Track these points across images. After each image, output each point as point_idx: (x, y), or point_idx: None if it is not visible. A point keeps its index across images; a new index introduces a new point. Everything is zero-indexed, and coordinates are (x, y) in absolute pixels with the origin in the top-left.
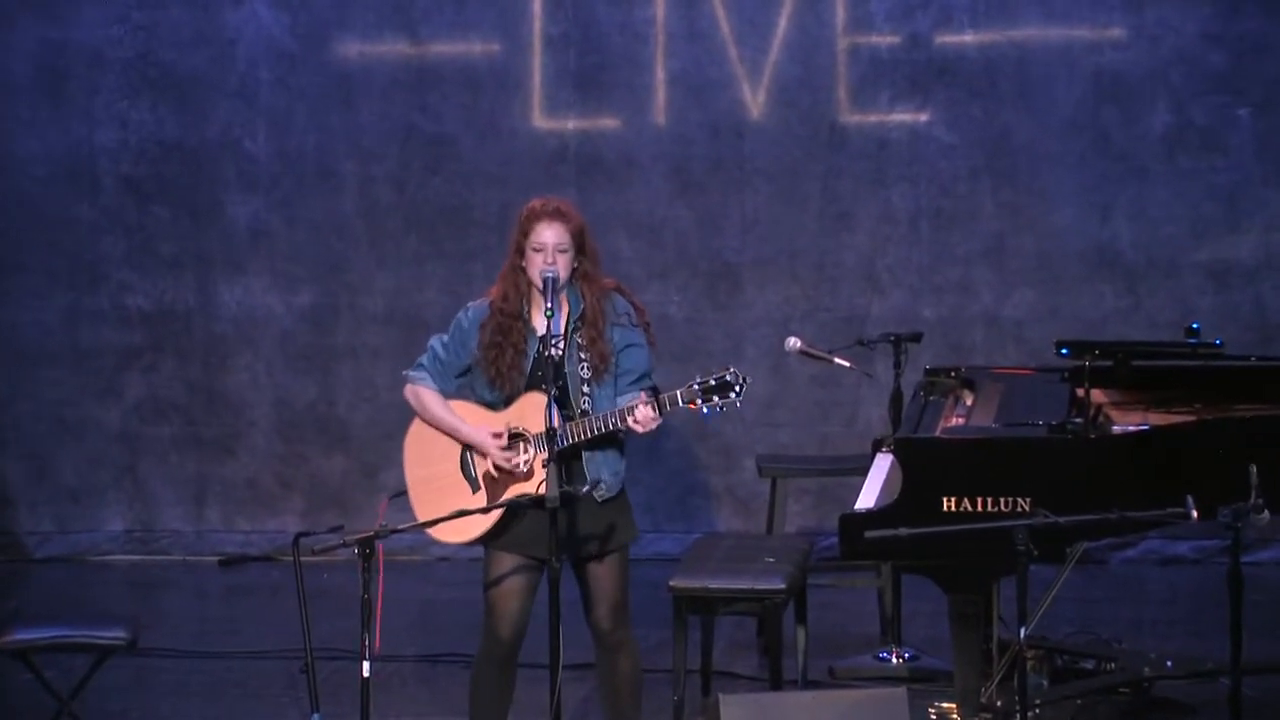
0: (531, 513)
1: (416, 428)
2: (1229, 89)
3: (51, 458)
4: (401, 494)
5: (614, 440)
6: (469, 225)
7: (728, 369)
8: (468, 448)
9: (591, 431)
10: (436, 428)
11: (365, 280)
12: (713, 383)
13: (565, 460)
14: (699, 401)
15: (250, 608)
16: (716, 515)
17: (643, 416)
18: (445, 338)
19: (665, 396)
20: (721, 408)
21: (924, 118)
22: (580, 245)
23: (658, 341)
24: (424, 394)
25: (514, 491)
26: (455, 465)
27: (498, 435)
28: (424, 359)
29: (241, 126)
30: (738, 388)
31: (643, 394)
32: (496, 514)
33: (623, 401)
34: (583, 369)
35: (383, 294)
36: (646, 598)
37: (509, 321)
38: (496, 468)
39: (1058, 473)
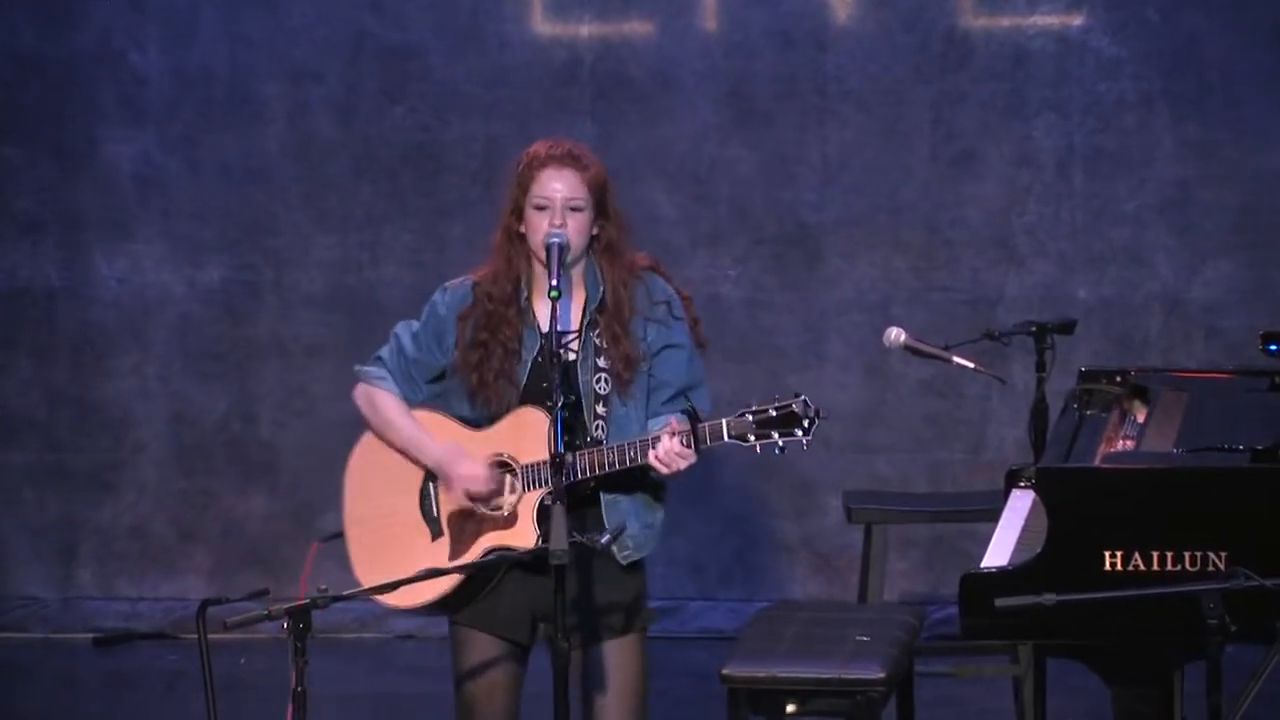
0: (511, 577)
1: (366, 445)
2: None
3: None
4: (337, 536)
5: (647, 481)
6: (442, 171)
7: (796, 395)
8: (432, 477)
9: (604, 465)
10: (392, 444)
11: (298, 248)
12: (772, 413)
13: (576, 504)
14: (752, 437)
15: (137, 703)
16: (788, 576)
17: (665, 452)
18: (416, 327)
19: (705, 427)
20: (782, 448)
21: (1077, 22)
22: (601, 204)
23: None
24: (380, 398)
25: (489, 543)
26: (413, 499)
27: (476, 477)
28: (384, 352)
29: (125, 34)
30: (806, 422)
31: (672, 420)
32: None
33: (655, 426)
34: (599, 382)
35: (322, 267)
36: (690, 690)
37: (499, 311)
38: (470, 506)
39: (1264, 518)
